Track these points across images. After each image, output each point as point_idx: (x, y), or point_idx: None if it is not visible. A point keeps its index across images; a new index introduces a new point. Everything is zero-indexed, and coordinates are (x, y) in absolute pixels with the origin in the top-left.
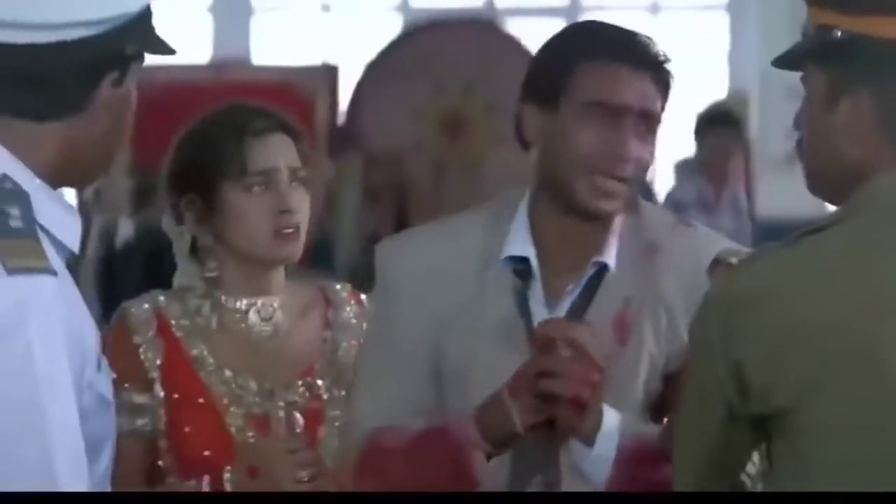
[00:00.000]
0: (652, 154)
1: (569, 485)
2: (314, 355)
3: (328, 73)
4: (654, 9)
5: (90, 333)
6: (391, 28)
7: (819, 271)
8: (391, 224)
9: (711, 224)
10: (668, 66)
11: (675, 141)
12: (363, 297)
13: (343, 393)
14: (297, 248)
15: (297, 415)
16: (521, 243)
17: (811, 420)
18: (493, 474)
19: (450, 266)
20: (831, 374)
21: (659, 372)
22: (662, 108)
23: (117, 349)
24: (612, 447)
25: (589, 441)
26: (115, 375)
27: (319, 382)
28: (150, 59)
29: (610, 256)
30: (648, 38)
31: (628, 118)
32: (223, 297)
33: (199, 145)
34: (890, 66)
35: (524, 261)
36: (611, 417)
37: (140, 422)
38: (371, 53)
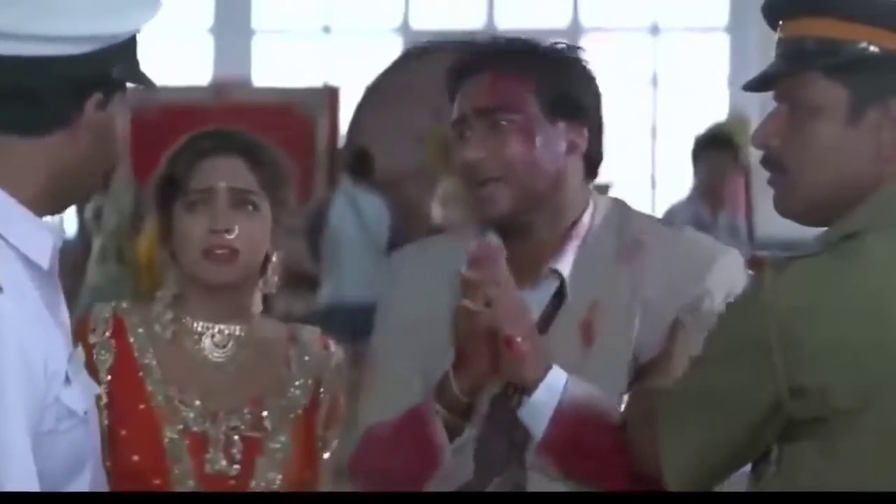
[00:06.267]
0: (520, 148)
1: (536, 486)
2: (265, 387)
3: (329, 95)
4: (655, 30)
5: (56, 348)
6: (392, 50)
7: (869, 284)
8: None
9: None
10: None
11: (674, 162)
12: (331, 342)
13: (287, 427)
14: (229, 271)
15: (237, 439)
16: None
17: (875, 420)
18: (457, 469)
19: (432, 282)
20: (893, 377)
21: (628, 367)
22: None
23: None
24: (552, 400)
25: (530, 389)
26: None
27: (265, 414)
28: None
29: (564, 264)
30: None
31: (465, 123)
32: (185, 316)
33: (164, 166)
34: None
35: None
36: (557, 373)
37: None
38: (372, 75)
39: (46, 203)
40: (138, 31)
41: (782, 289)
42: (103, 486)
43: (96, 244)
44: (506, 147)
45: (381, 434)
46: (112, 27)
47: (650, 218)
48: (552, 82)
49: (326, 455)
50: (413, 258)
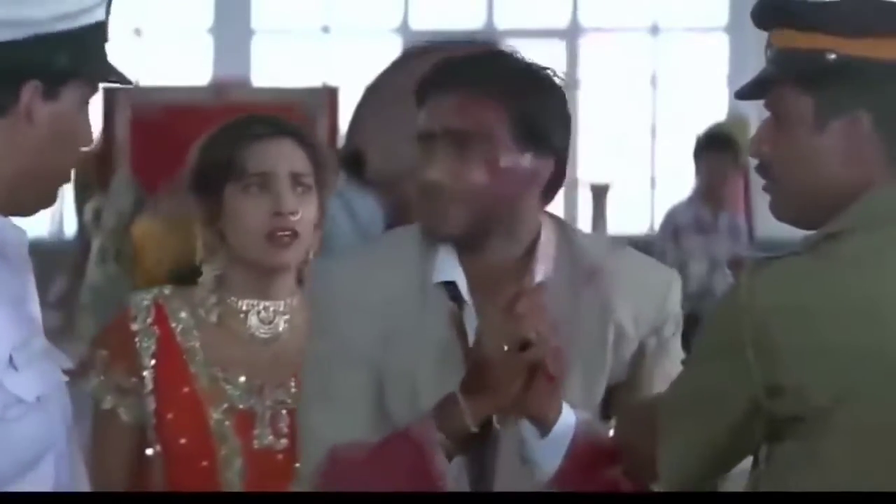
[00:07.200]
0: (485, 178)
1: None
2: None
3: (328, 95)
4: (654, 30)
5: None
6: (391, 49)
7: (845, 284)
8: None
9: (710, 247)
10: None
11: (674, 162)
12: None
13: None
14: (292, 253)
15: (284, 413)
16: (449, 268)
17: (851, 420)
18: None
19: (386, 289)
20: (868, 376)
21: (602, 386)
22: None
23: (115, 333)
24: (567, 437)
25: (548, 428)
26: (105, 353)
27: None
28: (149, 80)
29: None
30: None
31: (431, 140)
32: (229, 297)
33: (208, 149)
34: (889, 86)
35: (455, 284)
36: (567, 408)
37: (121, 404)
38: (371, 75)
39: (7, 201)
40: (92, 25)
41: (759, 288)
42: (76, 480)
43: (96, 244)
44: (471, 174)
45: (355, 459)
46: (32, 12)
47: (593, 237)
48: (524, 112)
49: None
50: (350, 267)
